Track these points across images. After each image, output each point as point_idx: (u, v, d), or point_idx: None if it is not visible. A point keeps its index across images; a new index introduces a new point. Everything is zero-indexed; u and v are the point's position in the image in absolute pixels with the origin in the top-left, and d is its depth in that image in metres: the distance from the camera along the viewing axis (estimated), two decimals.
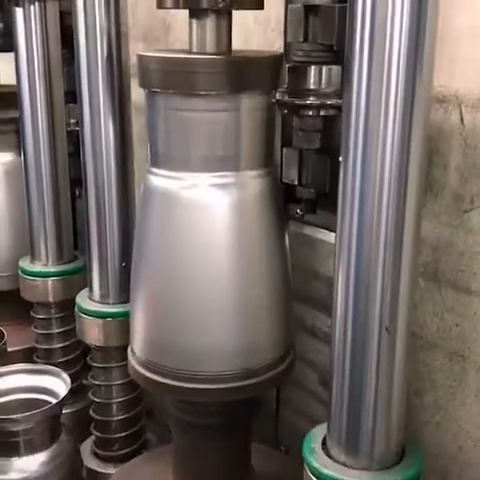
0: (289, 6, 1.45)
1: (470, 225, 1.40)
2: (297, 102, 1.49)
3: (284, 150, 1.64)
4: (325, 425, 1.36)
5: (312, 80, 1.49)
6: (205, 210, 1.42)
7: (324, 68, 1.48)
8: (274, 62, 1.43)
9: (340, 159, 1.18)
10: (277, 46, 1.72)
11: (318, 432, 1.38)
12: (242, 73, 1.36)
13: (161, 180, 1.45)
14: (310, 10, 1.46)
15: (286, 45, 1.61)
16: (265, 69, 1.41)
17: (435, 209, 1.45)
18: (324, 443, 1.36)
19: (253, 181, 1.44)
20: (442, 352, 1.51)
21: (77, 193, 2.54)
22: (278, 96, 1.48)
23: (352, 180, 1.16)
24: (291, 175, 1.63)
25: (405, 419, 1.34)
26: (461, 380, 1.49)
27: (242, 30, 1.72)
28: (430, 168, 1.42)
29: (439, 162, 1.43)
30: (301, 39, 1.48)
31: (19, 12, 2.13)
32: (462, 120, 1.38)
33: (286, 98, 1.49)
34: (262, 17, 1.74)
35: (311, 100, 1.48)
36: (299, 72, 1.50)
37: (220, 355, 1.47)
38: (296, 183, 1.65)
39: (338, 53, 1.46)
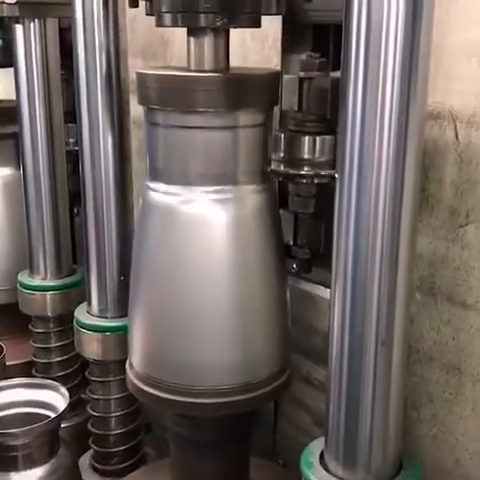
0: (284, 77, 1.52)
1: (466, 239, 1.42)
2: (291, 172, 1.53)
3: (280, 212, 1.68)
4: (323, 439, 1.37)
5: (306, 150, 1.52)
6: (203, 225, 1.43)
7: (318, 138, 1.51)
8: (271, 79, 1.45)
9: (336, 175, 1.20)
10: (274, 63, 1.74)
11: (316, 446, 1.39)
12: (240, 90, 1.37)
13: (159, 195, 1.46)
14: (304, 81, 1.52)
15: (281, 113, 1.66)
16: (262, 86, 1.42)
17: (431, 223, 1.47)
18: (322, 457, 1.36)
19: (251, 196, 1.46)
20: (439, 365, 1.52)
21: (75, 211, 2.56)
22: (274, 166, 1.53)
23: (348, 195, 1.18)
24: (287, 236, 1.69)
25: (402, 432, 1.35)
26: (458, 393, 1.50)
27: (239, 47, 1.74)
28: (426, 183, 1.44)
29: (435, 177, 1.44)
30: (295, 108, 1.53)
31: (19, 29, 2.16)
32: (457, 136, 1.39)
33: (282, 168, 1.54)
34: (259, 34, 1.76)
35: (305, 170, 1.52)
36: (293, 142, 1.53)
37: (218, 369, 1.47)
38: (291, 244, 1.73)
39: (331, 123, 1.50)
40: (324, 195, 1.60)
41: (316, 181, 1.53)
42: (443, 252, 1.46)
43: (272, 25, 1.67)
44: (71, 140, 2.41)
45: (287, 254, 1.68)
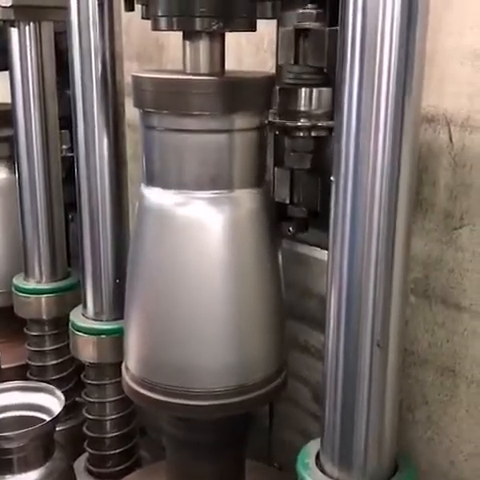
0: (280, 29, 1.49)
1: (460, 242, 1.42)
2: (288, 124, 1.51)
3: (276, 170, 1.67)
4: (319, 440, 1.37)
5: (303, 102, 1.52)
6: (199, 228, 1.43)
7: (315, 90, 1.51)
8: (267, 82, 1.45)
9: (332, 178, 1.20)
10: (269, 66, 1.75)
11: (312, 447, 1.39)
12: (235, 94, 1.38)
13: (156, 198, 1.47)
14: (301, 33, 1.50)
15: (278, 67, 1.63)
16: (258, 89, 1.43)
17: (425, 226, 1.48)
18: (318, 458, 1.36)
19: (247, 199, 1.46)
20: (433, 367, 1.53)
21: (70, 217, 2.56)
22: (270, 118, 1.51)
23: (343, 198, 1.18)
24: (283, 194, 1.66)
25: (397, 434, 1.35)
26: (452, 395, 1.51)
27: (235, 50, 1.75)
28: (420, 186, 1.45)
29: (429, 180, 1.45)
30: (292, 62, 1.51)
31: (14, 32, 2.16)
32: (451, 139, 1.40)
33: (277, 120, 1.52)
34: (254, 38, 1.76)
35: (302, 122, 1.51)
36: (290, 94, 1.53)
37: (214, 371, 1.48)
38: (288, 202, 1.67)
39: (328, 75, 1.50)
40: (321, 150, 1.57)
41: (313, 134, 1.51)
42: (437, 255, 1.47)
43: (267, 29, 1.67)
44: (64, 146, 2.42)
45: (283, 214, 1.65)
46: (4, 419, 1.94)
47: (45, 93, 2.21)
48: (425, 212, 1.47)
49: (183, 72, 1.44)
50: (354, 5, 1.08)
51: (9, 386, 2.00)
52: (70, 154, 2.28)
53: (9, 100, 2.26)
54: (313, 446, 1.39)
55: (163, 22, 1.38)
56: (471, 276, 1.42)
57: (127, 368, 1.60)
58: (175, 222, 1.44)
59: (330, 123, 1.47)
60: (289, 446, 1.85)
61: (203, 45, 1.41)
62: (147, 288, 1.51)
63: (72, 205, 2.09)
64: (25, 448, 1.80)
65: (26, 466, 1.82)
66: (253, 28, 1.41)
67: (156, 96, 1.39)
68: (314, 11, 1.49)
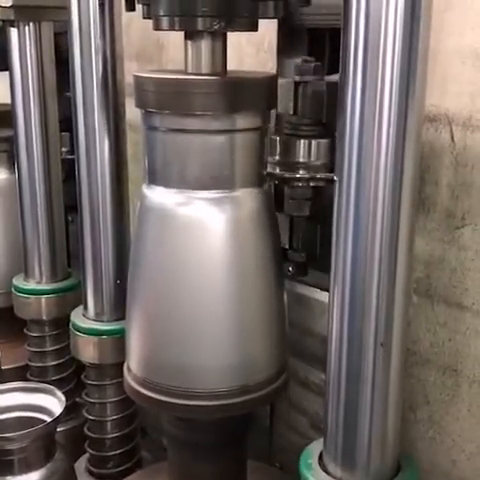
0: (279, 81, 1.52)
1: (462, 241, 1.43)
2: (287, 175, 1.55)
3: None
4: (322, 441, 1.37)
5: (302, 153, 1.55)
6: (201, 227, 1.43)
7: (313, 142, 1.53)
8: (268, 83, 1.45)
9: (334, 178, 1.20)
10: (270, 66, 1.75)
11: (315, 448, 1.39)
12: (237, 94, 1.38)
13: (157, 197, 1.46)
14: (299, 85, 1.53)
15: (277, 116, 1.67)
16: (259, 89, 1.43)
17: (427, 226, 1.48)
18: (321, 458, 1.36)
19: (248, 199, 1.46)
20: (435, 367, 1.53)
21: (70, 218, 2.56)
22: (269, 169, 1.54)
23: (347, 197, 1.18)
24: (282, 240, 1.68)
25: (400, 434, 1.35)
26: (454, 395, 1.51)
27: (235, 51, 1.75)
28: (422, 185, 1.45)
29: (430, 179, 1.45)
30: (291, 112, 1.54)
31: (14, 32, 2.15)
32: (453, 138, 1.40)
33: (277, 171, 1.55)
34: (255, 38, 1.76)
35: (301, 173, 1.55)
36: (289, 145, 1.55)
37: (216, 372, 1.48)
38: (287, 247, 1.73)
39: (327, 127, 1.53)
40: (319, 198, 1.61)
41: (312, 184, 1.55)
42: (439, 254, 1.47)
43: (268, 29, 1.68)
44: (64, 149, 2.41)
45: (283, 257, 1.68)
46: (5, 420, 1.93)
47: (45, 93, 2.21)
48: (427, 211, 1.47)
49: (185, 72, 1.44)
50: (357, 6, 1.08)
51: (10, 387, 2.00)
52: (70, 157, 2.28)
53: (9, 100, 2.25)
54: (316, 446, 1.39)
55: (165, 22, 1.37)
56: (473, 275, 1.42)
57: (129, 368, 1.60)
58: (176, 222, 1.44)
59: (327, 175, 1.51)
60: (290, 446, 1.85)
61: (205, 45, 1.40)
62: (149, 288, 1.51)
63: (72, 207, 2.09)
64: (26, 449, 1.79)
65: (27, 467, 1.82)
66: (255, 28, 1.41)
67: (158, 96, 1.39)
68: (312, 64, 1.52)
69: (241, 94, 1.39)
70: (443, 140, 1.42)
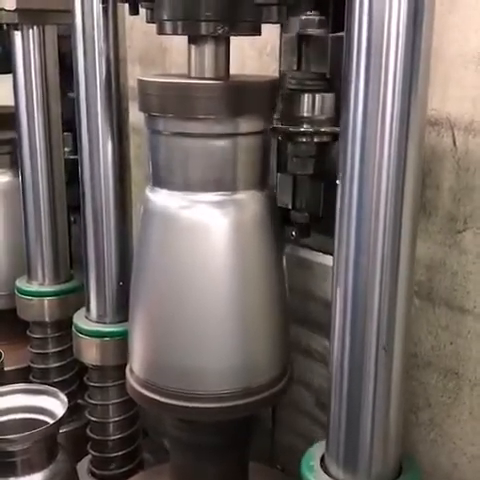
0: (283, 35, 1.50)
1: (463, 245, 1.43)
2: (291, 129, 1.53)
3: (278, 175, 1.68)
4: (323, 443, 1.38)
5: (306, 108, 1.53)
6: (204, 230, 1.44)
7: (317, 96, 1.52)
8: (271, 86, 1.46)
9: (337, 181, 1.21)
10: (272, 70, 1.76)
11: (317, 450, 1.40)
12: (240, 97, 1.39)
13: (160, 200, 1.47)
14: (303, 40, 1.51)
15: (280, 73, 1.64)
16: (262, 93, 1.44)
17: (429, 229, 1.48)
18: (323, 461, 1.37)
19: (251, 202, 1.47)
20: (437, 370, 1.53)
21: (73, 219, 2.56)
22: (273, 123, 1.52)
23: (349, 201, 1.19)
24: (285, 199, 1.67)
25: (402, 436, 1.36)
26: (455, 397, 1.51)
27: (238, 55, 1.76)
28: (424, 189, 1.45)
29: (432, 183, 1.46)
30: (295, 67, 1.52)
31: (18, 36, 2.16)
32: (454, 142, 1.41)
33: (280, 125, 1.53)
34: (258, 42, 1.77)
35: (305, 127, 1.52)
36: (293, 100, 1.54)
37: (218, 374, 1.48)
38: (290, 207, 1.68)
39: (331, 81, 1.51)
40: (323, 155, 1.59)
41: (316, 139, 1.53)
42: (441, 257, 1.47)
43: (271, 33, 1.68)
44: (66, 149, 2.42)
45: (285, 220, 1.66)
46: (7, 422, 1.94)
47: (48, 96, 2.21)
48: (429, 215, 1.48)
49: (188, 76, 1.45)
50: (360, 9, 1.09)
51: (12, 389, 2.00)
52: (73, 157, 2.28)
53: (12, 103, 2.26)
54: (318, 448, 1.40)
55: (168, 26, 1.38)
56: (475, 279, 1.43)
57: (131, 370, 1.60)
58: (180, 224, 1.45)
59: (333, 129, 1.48)
60: (292, 448, 1.85)
61: (208, 49, 1.41)
62: (152, 291, 1.51)
63: (75, 208, 2.09)
64: (28, 451, 1.80)
65: (30, 468, 1.82)
66: (258, 32, 1.42)
67: (162, 100, 1.40)
68: (316, 17, 1.50)
69: (244, 98, 1.40)
70: (445, 144, 1.42)
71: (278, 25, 1.64)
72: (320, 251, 1.73)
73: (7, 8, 2.05)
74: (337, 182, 1.21)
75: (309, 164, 1.59)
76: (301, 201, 1.67)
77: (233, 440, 1.65)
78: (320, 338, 1.75)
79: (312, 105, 1.53)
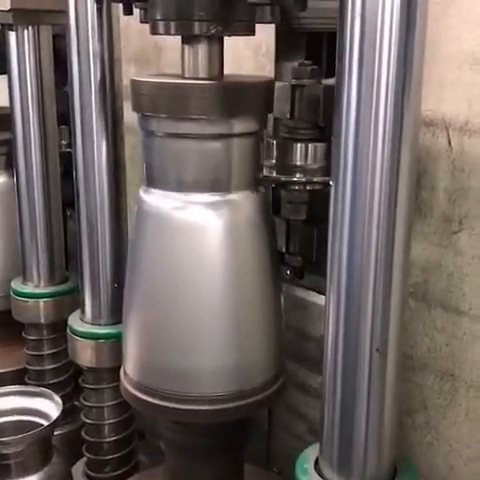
0: (276, 84, 1.52)
1: (459, 246, 1.42)
2: (283, 179, 1.56)
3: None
4: (318, 445, 1.37)
5: (298, 156, 1.55)
6: (198, 231, 1.43)
7: (310, 145, 1.54)
8: (265, 87, 1.45)
9: (330, 182, 1.20)
10: (268, 70, 1.75)
11: (311, 452, 1.39)
12: (234, 98, 1.37)
13: (154, 201, 1.47)
14: (296, 89, 1.53)
15: (274, 120, 1.67)
16: (257, 94, 1.43)
17: (424, 230, 1.47)
18: (317, 463, 1.36)
19: (245, 203, 1.46)
20: (432, 372, 1.52)
21: (68, 214, 2.55)
22: (266, 172, 1.54)
23: (342, 202, 1.18)
24: (279, 243, 1.69)
25: (397, 439, 1.35)
26: (451, 400, 1.51)
27: (233, 55, 1.75)
28: (419, 190, 1.45)
29: (427, 184, 1.45)
30: (288, 116, 1.54)
31: (12, 35, 2.16)
32: (450, 143, 1.40)
33: (274, 174, 1.56)
34: (253, 42, 1.76)
35: (298, 177, 1.55)
36: (286, 148, 1.56)
37: (212, 376, 1.47)
38: (284, 251, 1.73)
39: (323, 130, 1.53)
40: (316, 201, 1.61)
41: (308, 188, 1.56)
42: (436, 259, 1.46)
43: (265, 33, 1.67)
44: (63, 142, 2.41)
45: (280, 261, 1.68)
46: (2, 424, 1.94)
47: (43, 97, 2.21)
48: (424, 216, 1.47)
49: (182, 76, 1.44)
50: (352, 10, 1.08)
51: (7, 391, 2.00)
52: (69, 150, 2.27)
53: (7, 103, 2.25)
54: (312, 451, 1.39)
55: (162, 26, 1.37)
56: (470, 280, 1.42)
57: (125, 372, 1.59)
58: (173, 225, 1.44)
59: (325, 178, 1.50)
60: (288, 451, 1.85)
61: (202, 49, 1.40)
62: (145, 292, 1.51)
63: (70, 203, 2.08)
64: (23, 453, 1.80)
65: (24, 471, 1.82)
66: (252, 32, 1.41)
67: (155, 100, 1.39)
68: (308, 68, 1.53)
69: (238, 98, 1.39)
70: (440, 145, 1.41)
71: (273, 25, 1.64)
72: (315, 291, 1.74)
73: (1, 8, 2.05)
74: (330, 183, 1.20)
75: (302, 210, 1.63)
76: (294, 245, 1.73)
77: (228, 442, 1.64)
78: (315, 376, 1.76)
79: (305, 154, 1.55)
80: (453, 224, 1.42)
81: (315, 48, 1.68)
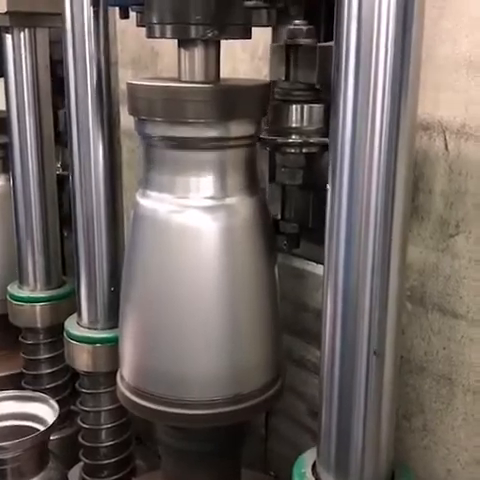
0: (271, 45, 1.48)
1: (456, 249, 1.42)
2: (279, 141, 1.52)
3: (268, 185, 1.67)
4: (315, 449, 1.37)
5: (294, 118, 1.53)
6: (194, 235, 1.43)
7: (306, 106, 1.52)
8: (262, 90, 1.45)
9: (327, 186, 1.20)
10: (264, 74, 1.75)
11: (308, 456, 1.39)
12: (230, 101, 1.38)
13: (150, 205, 1.46)
14: (291, 49, 1.50)
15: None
16: (253, 97, 1.43)
17: (421, 233, 1.47)
18: (314, 467, 1.36)
19: (242, 207, 1.46)
20: (430, 375, 1.52)
21: (65, 234, 2.55)
22: (261, 135, 1.51)
23: (339, 206, 1.18)
24: (275, 210, 1.67)
25: (394, 442, 1.35)
26: (449, 403, 1.50)
27: (230, 58, 1.75)
28: (416, 193, 1.45)
29: (424, 187, 1.45)
30: (283, 77, 1.51)
31: (8, 39, 2.15)
32: (446, 146, 1.40)
33: (268, 136, 1.53)
34: (250, 45, 1.77)
35: (293, 138, 1.52)
36: (281, 110, 1.53)
37: (209, 380, 1.47)
38: (279, 218, 1.69)
39: (319, 92, 1.51)
40: (312, 166, 1.58)
41: (304, 150, 1.52)
42: (434, 262, 1.46)
43: (262, 36, 1.67)
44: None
45: (275, 230, 1.65)
46: None
47: (40, 100, 2.21)
48: (421, 219, 1.47)
49: (178, 80, 1.44)
50: (348, 14, 1.08)
51: (4, 396, 2.00)
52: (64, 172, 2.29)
53: (3, 107, 2.25)
54: (309, 455, 1.39)
55: (158, 30, 1.38)
56: (467, 283, 1.42)
57: (122, 377, 1.59)
58: (170, 229, 1.44)
59: (321, 139, 1.49)
60: (285, 455, 1.84)
61: (198, 53, 1.40)
62: (141, 295, 1.50)
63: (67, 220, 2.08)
64: (19, 458, 1.79)
65: (20, 476, 1.82)
66: (248, 36, 1.41)
67: (151, 104, 1.39)
68: (305, 27, 1.48)
69: (234, 102, 1.39)
70: (437, 148, 1.41)
71: (270, 28, 1.64)
72: (311, 260, 1.72)
73: None
74: (327, 187, 1.20)
75: (298, 175, 1.59)
76: (290, 212, 1.68)
77: (225, 447, 1.64)
78: (313, 348, 1.75)
79: (300, 116, 1.53)
80: (450, 227, 1.42)
81: (313, 10, 1.60)
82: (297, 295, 1.77)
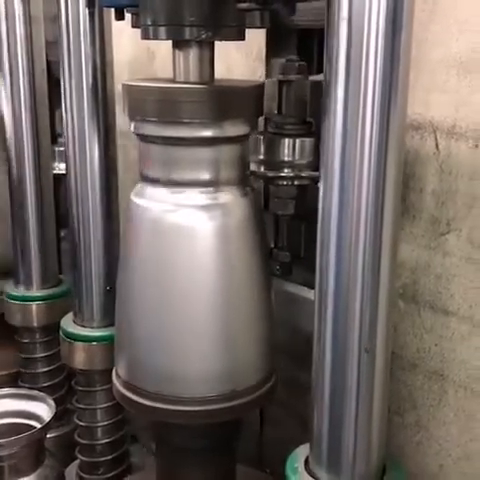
0: (265, 80, 1.53)
1: (447, 248, 1.44)
2: (271, 175, 1.57)
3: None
4: (308, 445, 1.38)
5: (286, 152, 1.57)
6: (189, 233, 1.44)
7: (298, 140, 1.55)
8: (256, 91, 1.46)
9: (318, 184, 1.21)
10: (259, 74, 1.77)
11: (301, 452, 1.40)
12: (225, 102, 1.39)
13: (145, 204, 1.47)
14: (284, 84, 1.55)
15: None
16: (247, 98, 1.44)
17: (413, 232, 1.49)
18: (307, 463, 1.37)
19: (236, 205, 1.47)
20: (422, 372, 1.54)
21: (62, 233, 2.56)
22: (254, 168, 1.55)
23: (329, 202, 1.19)
24: (268, 238, 1.68)
25: (386, 438, 1.36)
26: (441, 399, 1.52)
27: (224, 59, 1.76)
28: (407, 192, 1.47)
29: (416, 187, 1.47)
30: (275, 111, 1.55)
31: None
32: (437, 146, 1.42)
33: (262, 170, 1.57)
34: (244, 46, 1.78)
35: (285, 172, 1.56)
36: (274, 143, 1.57)
37: (204, 377, 1.48)
38: (272, 246, 1.73)
39: (311, 125, 1.55)
40: (304, 197, 1.62)
41: (296, 183, 1.56)
42: (425, 260, 1.48)
43: (256, 37, 1.69)
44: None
45: (269, 256, 1.67)
46: None
47: (36, 102, 2.21)
48: (413, 218, 1.49)
49: (173, 80, 1.46)
50: (339, 15, 1.10)
51: (0, 393, 2.00)
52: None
53: None
54: (302, 451, 1.40)
55: (152, 31, 1.39)
56: (458, 281, 1.44)
57: (117, 374, 1.60)
58: (164, 228, 1.45)
59: (312, 173, 1.52)
60: (280, 451, 1.85)
61: (193, 54, 1.42)
62: (136, 293, 1.51)
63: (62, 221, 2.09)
64: (16, 455, 1.80)
65: (17, 473, 1.83)
66: (242, 37, 1.43)
67: (146, 104, 1.40)
68: (296, 63, 1.54)
69: (229, 102, 1.40)
70: (428, 148, 1.43)
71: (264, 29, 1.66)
72: (304, 285, 1.74)
73: None
74: (318, 185, 1.21)
75: (290, 205, 1.63)
76: (283, 240, 1.73)
77: (220, 443, 1.65)
78: (306, 371, 1.75)
79: (292, 149, 1.56)
80: (441, 226, 1.44)
81: (306, 45, 1.69)
82: (291, 319, 1.78)
